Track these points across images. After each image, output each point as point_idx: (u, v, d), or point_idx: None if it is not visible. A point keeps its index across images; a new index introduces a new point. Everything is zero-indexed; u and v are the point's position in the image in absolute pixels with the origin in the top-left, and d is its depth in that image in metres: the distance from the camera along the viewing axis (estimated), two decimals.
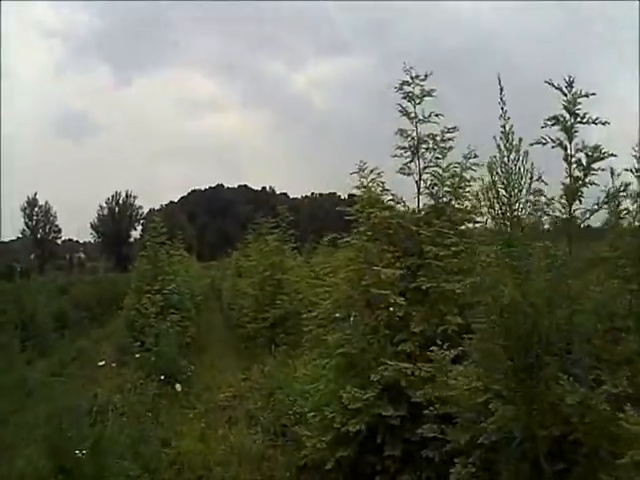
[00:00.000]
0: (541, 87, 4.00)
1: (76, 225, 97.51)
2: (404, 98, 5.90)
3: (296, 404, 7.18)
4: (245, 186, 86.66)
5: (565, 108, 3.94)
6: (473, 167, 5.81)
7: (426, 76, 5.84)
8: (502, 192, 3.88)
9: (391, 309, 5.22)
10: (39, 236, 63.71)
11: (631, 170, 4.03)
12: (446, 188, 5.85)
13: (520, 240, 3.74)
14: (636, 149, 4.08)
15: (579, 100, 3.93)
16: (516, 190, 3.85)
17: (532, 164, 3.89)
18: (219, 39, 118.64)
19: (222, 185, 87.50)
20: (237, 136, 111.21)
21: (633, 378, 3.48)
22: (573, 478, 3.50)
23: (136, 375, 9.33)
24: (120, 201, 71.82)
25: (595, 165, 3.88)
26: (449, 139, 5.88)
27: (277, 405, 7.90)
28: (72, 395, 7.94)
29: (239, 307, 15.60)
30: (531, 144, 3.91)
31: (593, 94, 3.95)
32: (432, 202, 5.92)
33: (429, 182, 5.89)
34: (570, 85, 3.96)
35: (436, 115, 5.85)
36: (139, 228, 66.59)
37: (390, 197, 6.12)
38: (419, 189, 5.93)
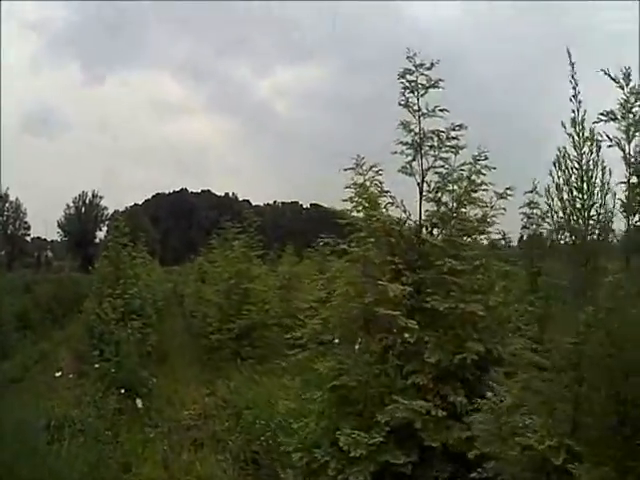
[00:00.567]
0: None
1: (42, 222, 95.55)
2: (405, 89, 5.25)
3: (268, 428, 6.70)
4: (209, 191, 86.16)
5: (622, 105, 3.40)
6: (483, 170, 5.20)
7: (432, 65, 5.19)
8: (575, 193, 3.26)
9: (406, 335, 4.45)
10: (9, 232, 62.32)
11: None
12: (455, 192, 5.22)
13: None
14: None
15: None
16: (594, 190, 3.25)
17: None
18: (189, 41, 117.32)
19: (186, 189, 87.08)
20: (202, 140, 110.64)
21: None
22: None
23: (95, 387, 8.83)
24: (86, 201, 70.91)
25: None
26: (455, 137, 5.24)
27: (246, 427, 7.42)
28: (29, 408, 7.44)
29: (202, 315, 15.03)
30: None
31: None
32: (435, 208, 5.27)
33: (432, 185, 5.26)
34: (628, 78, 3.39)
35: (440, 110, 5.22)
36: (104, 229, 65.58)
37: (389, 200, 5.39)
38: (422, 192, 5.25)
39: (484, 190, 5.29)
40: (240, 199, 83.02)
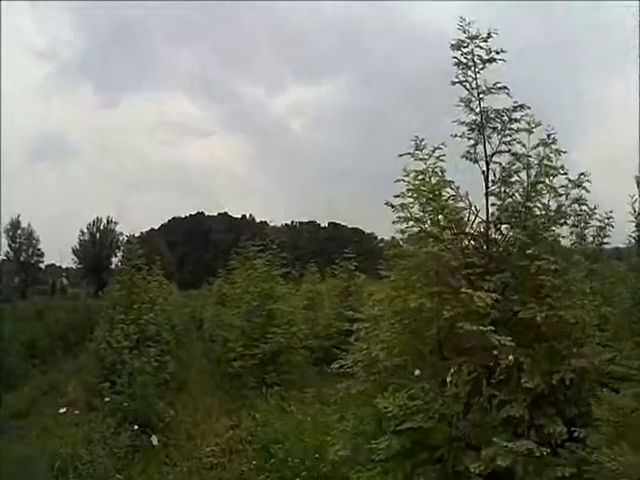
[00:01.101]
0: None
1: (56, 249, 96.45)
2: (458, 64, 4.53)
3: (303, 467, 5.74)
4: (225, 214, 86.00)
5: None
6: (551, 155, 4.40)
7: (489, 35, 4.43)
8: None
9: (501, 356, 3.46)
10: (22, 259, 62.47)
11: None
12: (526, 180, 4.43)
13: None
14: None
15: None
16: None
17: None
18: (200, 60, 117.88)
19: (202, 213, 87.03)
20: (216, 163, 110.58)
21: None
22: None
23: (105, 423, 8.08)
24: (101, 227, 70.71)
25: None
26: (516, 119, 4.50)
27: (277, 465, 6.47)
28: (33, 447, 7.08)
29: (223, 340, 14.17)
30: None
31: None
32: (501, 200, 4.46)
33: (497, 173, 4.47)
34: None
35: (499, 88, 4.48)
36: (119, 255, 65.54)
37: (452, 192, 4.55)
38: (487, 180, 4.47)
39: (556, 176, 4.48)
40: (257, 220, 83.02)
